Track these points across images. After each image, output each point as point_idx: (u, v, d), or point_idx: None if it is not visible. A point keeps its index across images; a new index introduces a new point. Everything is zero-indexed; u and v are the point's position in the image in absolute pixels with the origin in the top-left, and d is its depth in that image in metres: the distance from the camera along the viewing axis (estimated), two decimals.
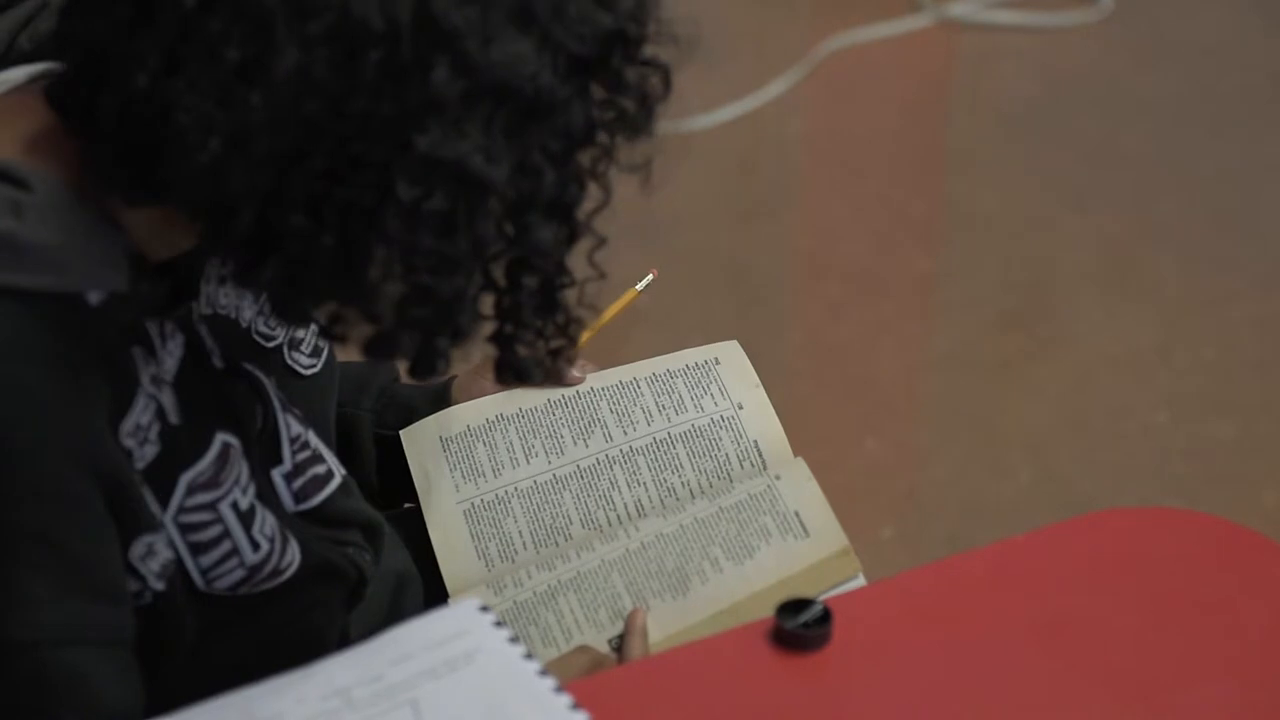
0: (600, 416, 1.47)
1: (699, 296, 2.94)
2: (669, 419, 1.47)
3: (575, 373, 1.48)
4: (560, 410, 1.48)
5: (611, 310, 1.52)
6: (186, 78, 0.97)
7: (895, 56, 3.72)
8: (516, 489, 1.45)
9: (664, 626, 1.34)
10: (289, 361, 1.28)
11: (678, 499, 1.43)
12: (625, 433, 1.46)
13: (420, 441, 1.47)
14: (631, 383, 1.49)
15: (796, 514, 1.39)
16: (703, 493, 1.43)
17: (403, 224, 0.99)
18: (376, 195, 0.99)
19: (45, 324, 1.04)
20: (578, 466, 1.45)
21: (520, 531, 1.42)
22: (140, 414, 1.10)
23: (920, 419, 2.74)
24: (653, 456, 1.45)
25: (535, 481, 1.45)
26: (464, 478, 1.45)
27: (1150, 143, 3.42)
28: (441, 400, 1.49)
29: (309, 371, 1.30)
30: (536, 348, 1.14)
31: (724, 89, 3.51)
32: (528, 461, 1.45)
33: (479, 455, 1.46)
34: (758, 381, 1.49)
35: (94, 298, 1.07)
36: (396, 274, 1.01)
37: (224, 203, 1.00)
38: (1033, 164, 3.37)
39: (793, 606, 1.17)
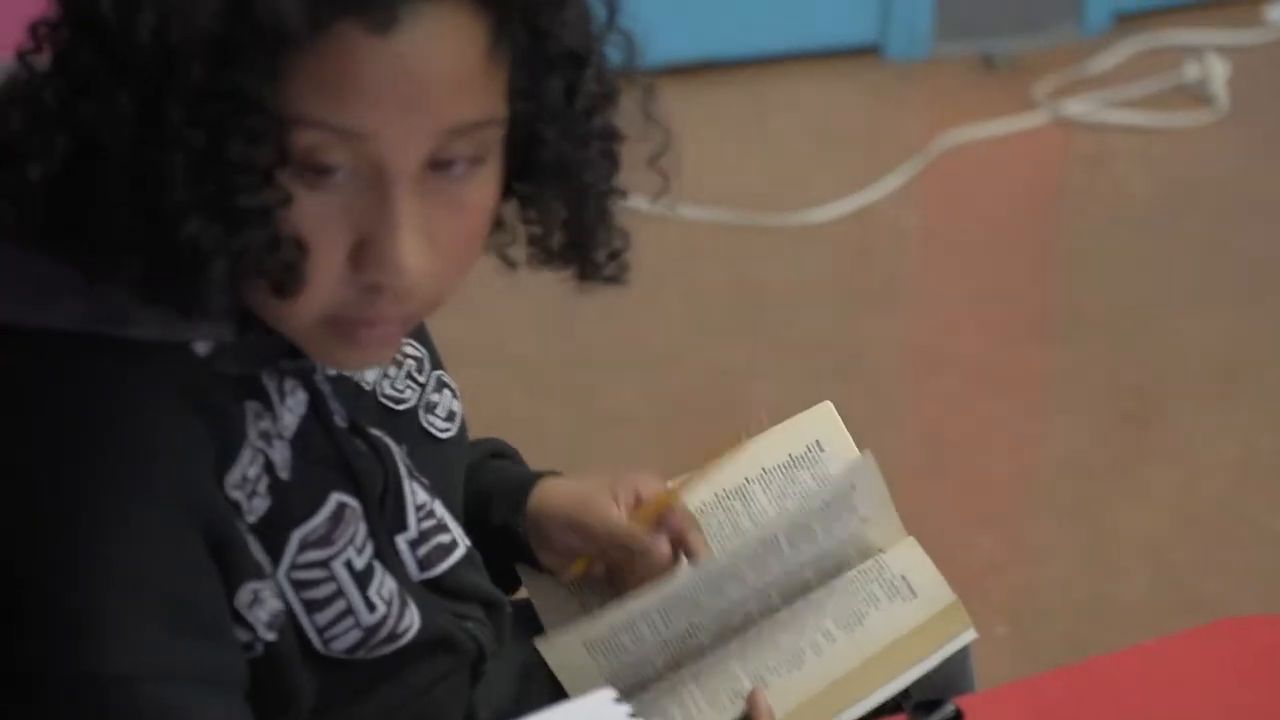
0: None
1: (813, 386, 2.92)
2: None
3: (698, 551, 1.40)
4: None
5: (719, 457, 1.44)
6: None
7: (1010, 153, 3.72)
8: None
9: (784, 701, 1.34)
10: (425, 424, 1.27)
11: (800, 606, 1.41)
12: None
13: (565, 656, 1.41)
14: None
15: (903, 577, 1.39)
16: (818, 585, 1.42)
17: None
18: None
19: (151, 374, 1.05)
20: (717, 613, 1.42)
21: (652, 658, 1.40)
22: (246, 467, 1.10)
23: (1035, 517, 2.73)
24: (784, 585, 1.42)
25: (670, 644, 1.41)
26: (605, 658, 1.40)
27: (1265, 243, 3.41)
28: (522, 494, 1.42)
29: (445, 435, 1.28)
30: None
31: (840, 182, 3.53)
32: (666, 628, 1.40)
33: (623, 640, 1.39)
34: (869, 464, 1.46)
35: (201, 348, 1.08)
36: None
37: None
38: (1147, 263, 3.36)
39: (924, 707, 1.17)
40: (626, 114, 1.16)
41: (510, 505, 1.40)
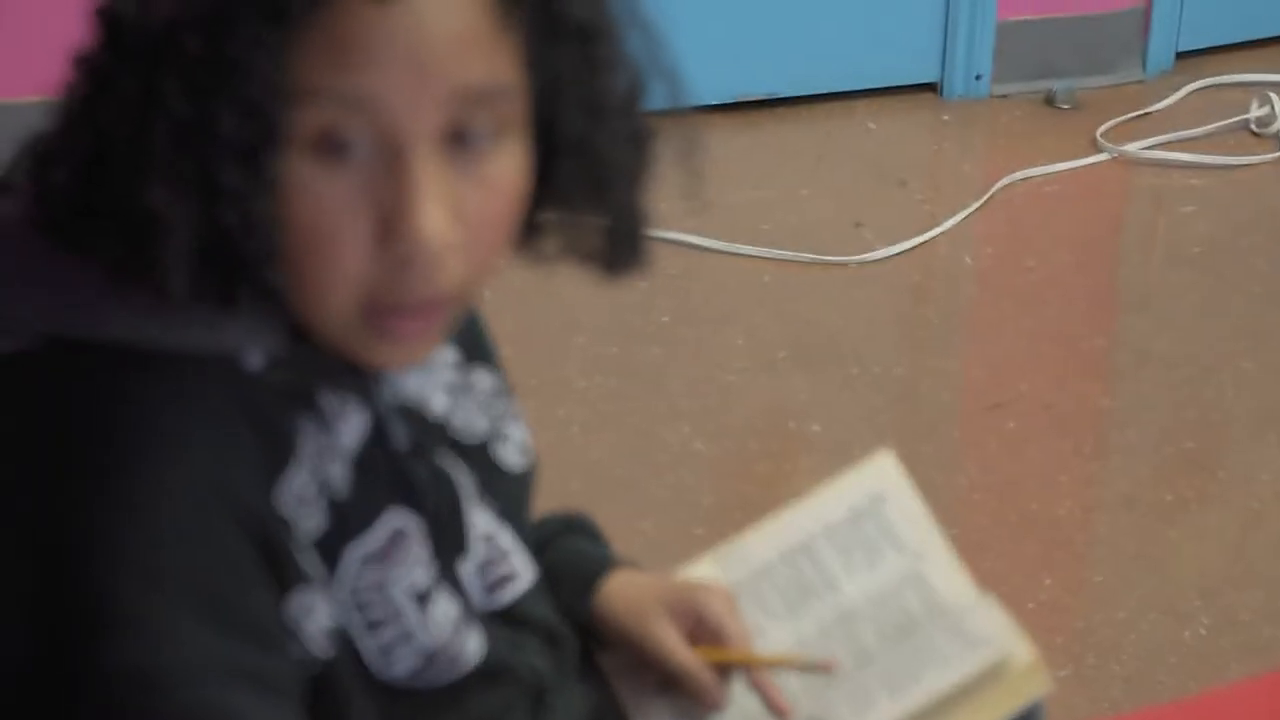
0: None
1: (871, 426, 2.93)
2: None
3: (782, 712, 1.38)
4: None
5: (771, 658, 1.40)
6: None
7: (1071, 192, 3.71)
8: None
9: None
10: (497, 456, 1.27)
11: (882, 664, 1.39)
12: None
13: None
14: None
15: (985, 637, 1.37)
16: (894, 648, 1.40)
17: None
18: None
19: (201, 383, 1.06)
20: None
21: None
22: (299, 482, 1.10)
23: (1097, 559, 2.71)
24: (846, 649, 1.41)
25: None
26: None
27: None
28: (587, 587, 1.41)
29: (516, 467, 1.29)
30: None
31: (901, 220, 3.52)
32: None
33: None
34: (926, 513, 1.46)
35: (253, 362, 1.09)
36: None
37: None
38: (1210, 304, 3.34)
39: None
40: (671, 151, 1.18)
41: (576, 594, 1.39)
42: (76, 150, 1.04)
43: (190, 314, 1.06)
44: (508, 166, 1.08)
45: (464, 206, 1.06)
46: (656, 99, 1.15)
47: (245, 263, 1.03)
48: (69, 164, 1.04)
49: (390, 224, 1.04)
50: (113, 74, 1.02)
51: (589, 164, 1.13)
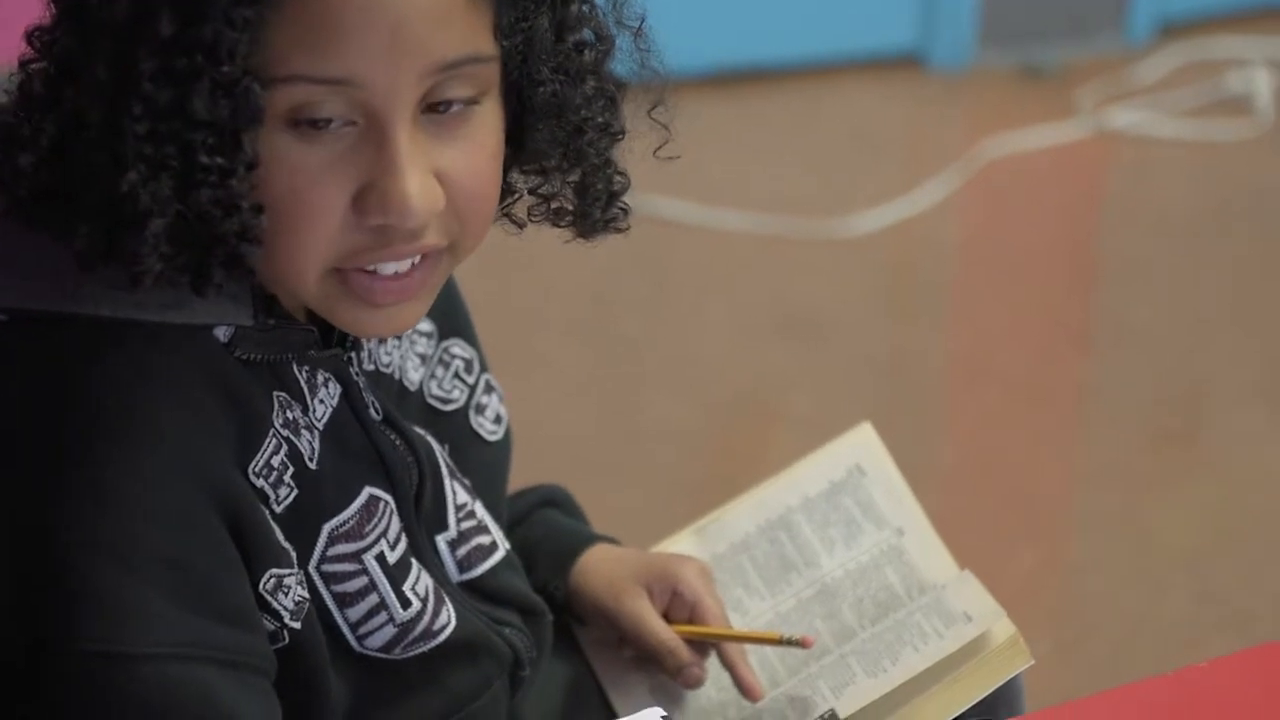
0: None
1: (853, 398, 2.93)
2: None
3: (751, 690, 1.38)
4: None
5: (748, 634, 1.39)
6: None
7: (1053, 163, 3.70)
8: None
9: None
10: (474, 426, 1.28)
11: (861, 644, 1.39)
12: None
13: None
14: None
15: (965, 614, 1.37)
16: (873, 625, 1.40)
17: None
18: None
19: (170, 356, 1.06)
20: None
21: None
22: (270, 455, 1.10)
23: (1078, 531, 2.71)
24: (840, 634, 1.40)
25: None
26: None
27: None
28: (566, 561, 1.40)
29: (493, 438, 1.29)
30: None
31: (882, 191, 3.52)
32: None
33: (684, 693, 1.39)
34: (906, 487, 1.45)
35: (222, 334, 1.08)
36: None
37: None
38: (1191, 276, 3.34)
39: None
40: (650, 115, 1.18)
41: (553, 569, 1.39)
42: (40, 133, 1.03)
43: (159, 290, 1.05)
44: (485, 127, 1.09)
45: (446, 171, 1.06)
46: (628, 59, 1.16)
47: (222, 241, 1.03)
48: (33, 148, 1.03)
49: (373, 193, 1.04)
50: (80, 56, 1.01)
51: (562, 123, 1.14)
